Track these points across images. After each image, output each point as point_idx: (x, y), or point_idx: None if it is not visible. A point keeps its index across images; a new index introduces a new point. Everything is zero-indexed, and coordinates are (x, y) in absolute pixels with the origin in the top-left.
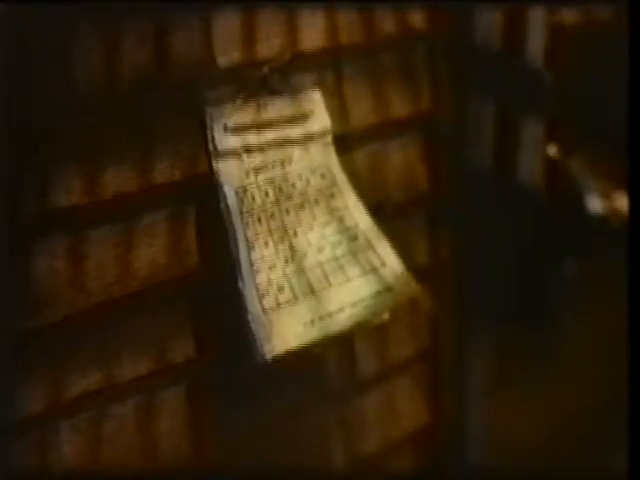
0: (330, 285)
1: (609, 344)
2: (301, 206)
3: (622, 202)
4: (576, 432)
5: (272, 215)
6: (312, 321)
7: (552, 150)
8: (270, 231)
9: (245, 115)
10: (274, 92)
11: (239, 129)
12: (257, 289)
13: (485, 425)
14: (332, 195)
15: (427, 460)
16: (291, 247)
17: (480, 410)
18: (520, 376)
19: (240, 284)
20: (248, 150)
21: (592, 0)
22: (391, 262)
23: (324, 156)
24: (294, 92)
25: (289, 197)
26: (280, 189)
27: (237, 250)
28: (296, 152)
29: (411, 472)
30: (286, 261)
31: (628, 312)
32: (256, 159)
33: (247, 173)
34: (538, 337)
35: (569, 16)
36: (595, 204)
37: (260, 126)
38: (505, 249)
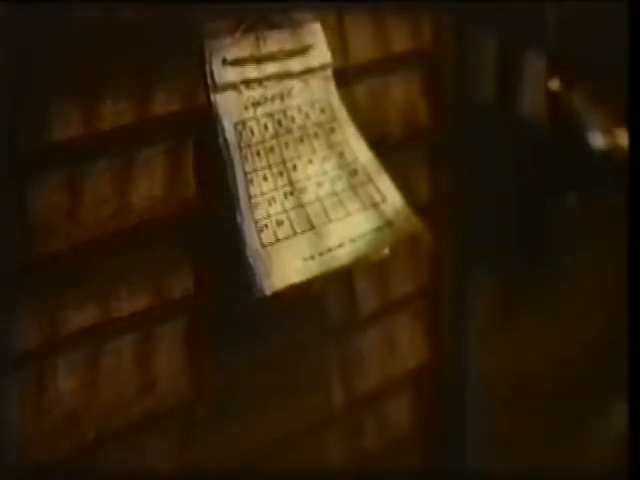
0: (330, 220)
1: (609, 281)
2: (300, 140)
3: (623, 137)
4: (576, 372)
5: (271, 149)
6: (311, 256)
7: (554, 84)
8: (269, 165)
9: (244, 48)
10: (274, 25)
11: (238, 62)
12: (256, 224)
13: (485, 363)
14: (332, 129)
15: (426, 398)
16: (290, 182)
17: (480, 348)
18: (520, 315)
19: (238, 219)
20: (247, 83)
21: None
22: (391, 197)
23: (324, 90)
24: (294, 25)
25: (288, 131)
26: (279, 123)
27: (235, 184)
28: (296, 86)
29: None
30: (285, 196)
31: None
32: (255, 93)
33: (246, 107)
34: (538, 274)
35: None
36: (597, 139)
37: (259, 59)
38: (506, 184)
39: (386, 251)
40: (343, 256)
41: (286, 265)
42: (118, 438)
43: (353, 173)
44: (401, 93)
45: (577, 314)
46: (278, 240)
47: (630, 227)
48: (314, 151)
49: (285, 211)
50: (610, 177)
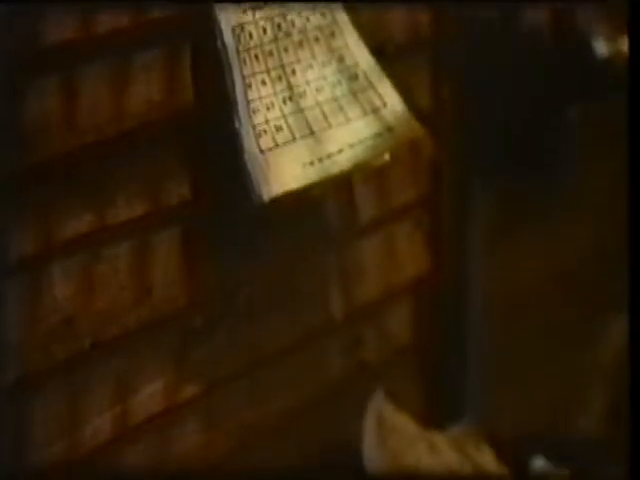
0: (329, 126)
1: (609, 196)
2: (300, 44)
3: (624, 44)
4: (576, 286)
5: (270, 53)
6: (311, 162)
7: None
8: (268, 70)
9: None
10: None
11: None
12: (254, 129)
13: (485, 275)
14: (332, 34)
15: (426, 308)
16: (289, 86)
17: (480, 260)
18: (520, 229)
19: (237, 124)
20: None
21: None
22: (392, 102)
23: None
24: None
25: (288, 35)
26: (279, 26)
27: (233, 89)
28: None
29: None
30: (284, 101)
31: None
32: None
33: (244, 10)
34: (538, 188)
35: None
36: (600, 46)
37: None
38: (507, 96)
39: (386, 157)
40: (343, 162)
41: (285, 171)
42: (114, 346)
43: (353, 78)
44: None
45: (577, 229)
46: (277, 145)
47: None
48: (313, 56)
49: (284, 116)
50: (611, 84)
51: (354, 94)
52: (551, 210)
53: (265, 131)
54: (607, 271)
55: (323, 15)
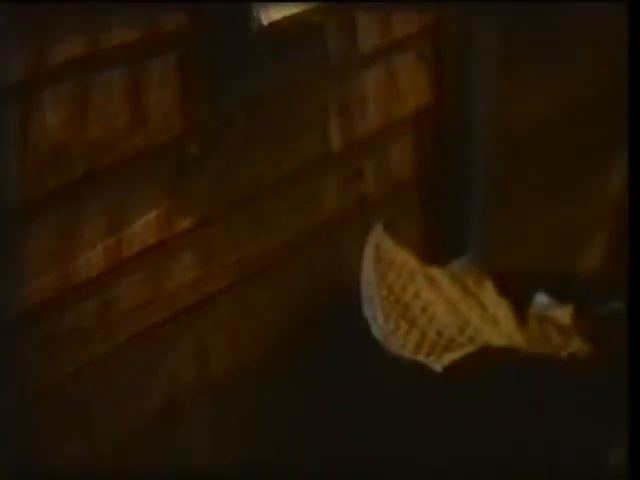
0: None
1: (608, 31)
2: None
3: None
4: (577, 124)
5: None
6: None
7: None
8: None
9: None
10: None
11: None
12: None
13: (487, 109)
14: None
15: (428, 143)
16: None
17: (482, 93)
18: (522, 64)
19: None
20: None
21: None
22: None
23: None
24: None
25: None
26: None
27: None
28: None
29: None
30: None
31: None
32: None
33: None
34: (539, 24)
35: None
36: None
37: None
38: None
39: None
40: None
41: None
42: (108, 175)
43: None
44: None
45: (578, 67)
46: None
47: None
48: None
49: None
50: None
51: None
52: (551, 48)
53: None
54: (607, 109)
55: None
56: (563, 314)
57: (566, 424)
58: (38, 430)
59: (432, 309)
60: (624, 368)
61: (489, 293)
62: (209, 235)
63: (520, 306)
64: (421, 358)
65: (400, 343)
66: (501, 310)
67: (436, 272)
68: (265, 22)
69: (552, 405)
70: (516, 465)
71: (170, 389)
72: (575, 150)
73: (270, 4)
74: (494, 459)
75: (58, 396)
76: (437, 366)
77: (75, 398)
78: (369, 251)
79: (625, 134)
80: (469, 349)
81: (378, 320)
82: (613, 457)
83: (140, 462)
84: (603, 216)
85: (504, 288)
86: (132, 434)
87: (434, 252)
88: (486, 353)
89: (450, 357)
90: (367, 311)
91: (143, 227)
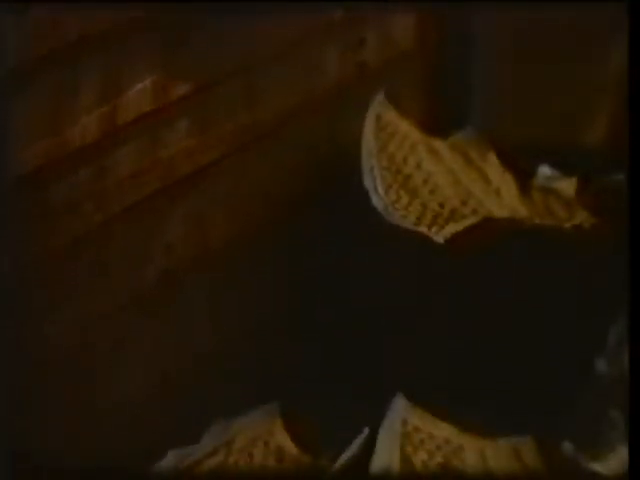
0: None
1: None
2: None
3: None
4: None
5: None
6: None
7: None
8: None
9: None
10: None
11: None
12: None
13: None
14: None
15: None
16: None
17: None
18: None
19: None
20: None
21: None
22: None
23: None
24: None
25: None
26: None
27: None
28: None
29: None
30: None
31: None
32: None
33: None
34: None
35: None
36: None
37: None
38: None
39: None
40: None
41: None
42: (102, 40)
43: None
44: None
45: None
46: None
47: None
48: None
49: None
50: None
51: None
52: None
53: None
54: None
55: None
56: (567, 186)
57: (566, 298)
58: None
59: (434, 180)
60: (625, 240)
61: (492, 165)
62: (205, 103)
63: (524, 178)
64: (423, 229)
65: (401, 214)
66: (504, 182)
67: (438, 143)
68: None
69: (552, 280)
70: (515, 345)
71: (166, 260)
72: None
73: None
74: (493, 334)
75: (55, 264)
76: (439, 237)
77: (72, 267)
78: (370, 121)
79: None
80: (472, 220)
81: (379, 191)
82: (613, 335)
83: (140, 329)
84: (606, 89)
85: (507, 160)
86: (132, 302)
87: (436, 124)
88: (489, 225)
89: (452, 228)
90: (367, 182)
91: (138, 94)
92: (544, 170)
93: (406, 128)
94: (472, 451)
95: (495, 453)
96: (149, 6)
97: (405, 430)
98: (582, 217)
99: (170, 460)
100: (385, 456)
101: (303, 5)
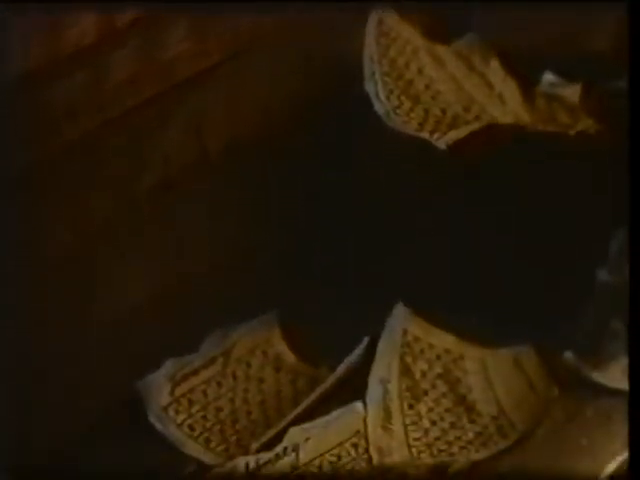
0: None
1: None
2: None
3: None
4: None
5: None
6: None
7: None
8: None
9: None
10: None
11: None
12: None
13: None
14: None
15: None
16: None
17: None
18: None
19: None
20: None
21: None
22: None
23: None
24: None
25: None
26: None
27: None
28: None
29: None
30: None
31: None
32: None
33: None
34: None
35: None
36: None
37: None
38: None
39: None
40: None
41: None
42: None
43: None
44: None
45: None
46: None
47: None
48: None
49: None
50: None
51: None
52: None
53: None
54: None
55: None
56: (571, 92)
57: (567, 206)
58: None
59: (436, 86)
60: (626, 146)
61: (495, 71)
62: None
63: (527, 85)
64: (425, 135)
65: (403, 120)
66: (508, 88)
67: (440, 49)
68: None
69: (554, 188)
70: (516, 254)
71: (165, 166)
72: None
73: None
74: (494, 243)
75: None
76: (441, 143)
77: (69, 173)
78: (371, 26)
79: None
80: (474, 127)
81: (380, 96)
82: (615, 244)
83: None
84: None
85: (511, 66)
86: (130, 207)
87: (437, 30)
88: (492, 131)
89: (454, 134)
90: (369, 87)
91: None
92: (548, 77)
93: (408, 33)
94: (472, 361)
95: (496, 363)
96: None
97: (405, 340)
98: (586, 124)
99: (168, 368)
100: (385, 366)
101: None
